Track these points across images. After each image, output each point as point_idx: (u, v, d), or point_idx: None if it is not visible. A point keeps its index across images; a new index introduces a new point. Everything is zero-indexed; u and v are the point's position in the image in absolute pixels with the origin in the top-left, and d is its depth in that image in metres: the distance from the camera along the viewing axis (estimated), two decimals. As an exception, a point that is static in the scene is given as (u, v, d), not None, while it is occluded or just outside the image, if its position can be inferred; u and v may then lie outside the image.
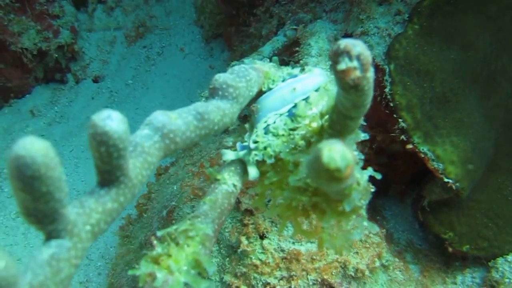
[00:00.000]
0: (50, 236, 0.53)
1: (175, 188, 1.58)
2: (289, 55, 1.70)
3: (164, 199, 1.60)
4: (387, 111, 1.56)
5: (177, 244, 0.77)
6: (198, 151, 1.76)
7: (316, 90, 0.98)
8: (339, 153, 0.52)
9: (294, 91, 0.96)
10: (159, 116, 0.69)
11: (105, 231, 0.60)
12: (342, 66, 0.67)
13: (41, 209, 0.49)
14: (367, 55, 0.67)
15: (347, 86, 0.70)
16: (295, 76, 1.02)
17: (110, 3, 3.20)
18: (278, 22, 2.11)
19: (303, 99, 0.95)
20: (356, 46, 0.66)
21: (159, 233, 0.77)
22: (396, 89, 1.49)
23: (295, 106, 0.95)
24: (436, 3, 1.57)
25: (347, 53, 0.66)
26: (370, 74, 0.69)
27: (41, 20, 2.72)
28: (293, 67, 1.07)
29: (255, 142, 0.94)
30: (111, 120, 0.55)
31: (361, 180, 0.74)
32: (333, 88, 1.24)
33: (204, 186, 1.55)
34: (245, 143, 0.96)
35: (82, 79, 3.00)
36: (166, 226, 1.15)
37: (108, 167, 0.58)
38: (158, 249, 0.75)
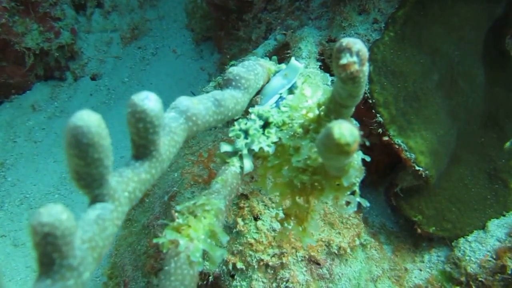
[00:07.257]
0: (95, 200, 0.56)
1: (176, 175, 1.59)
2: (280, 57, 1.74)
3: (165, 185, 1.62)
4: (366, 108, 1.63)
5: (195, 216, 0.80)
6: (196, 143, 1.78)
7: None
8: (348, 129, 0.56)
9: (286, 76, 1.04)
10: (184, 101, 0.72)
11: (139, 199, 0.63)
12: (343, 60, 0.71)
13: (92, 174, 0.52)
14: (364, 51, 0.72)
15: (346, 78, 0.74)
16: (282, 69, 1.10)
17: (107, 7, 3.18)
18: (266, 27, 2.15)
19: (290, 88, 1.04)
20: (356, 43, 0.71)
21: (178, 207, 0.80)
22: (374, 88, 1.56)
23: (281, 97, 1.03)
24: (408, 13, 1.65)
25: (348, 50, 0.71)
26: (366, 67, 0.74)
27: (44, 22, 2.68)
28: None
29: (250, 134, 0.98)
30: (149, 100, 0.59)
31: (356, 160, 0.79)
32: (317, 79, 1.32)
33: (203, 173, 1.57)
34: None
35: (80, 76, 2.97)
36: (168, 210, 1.18)
37: (144, 142, 0.61)
38: (179, 220, 0.78)
